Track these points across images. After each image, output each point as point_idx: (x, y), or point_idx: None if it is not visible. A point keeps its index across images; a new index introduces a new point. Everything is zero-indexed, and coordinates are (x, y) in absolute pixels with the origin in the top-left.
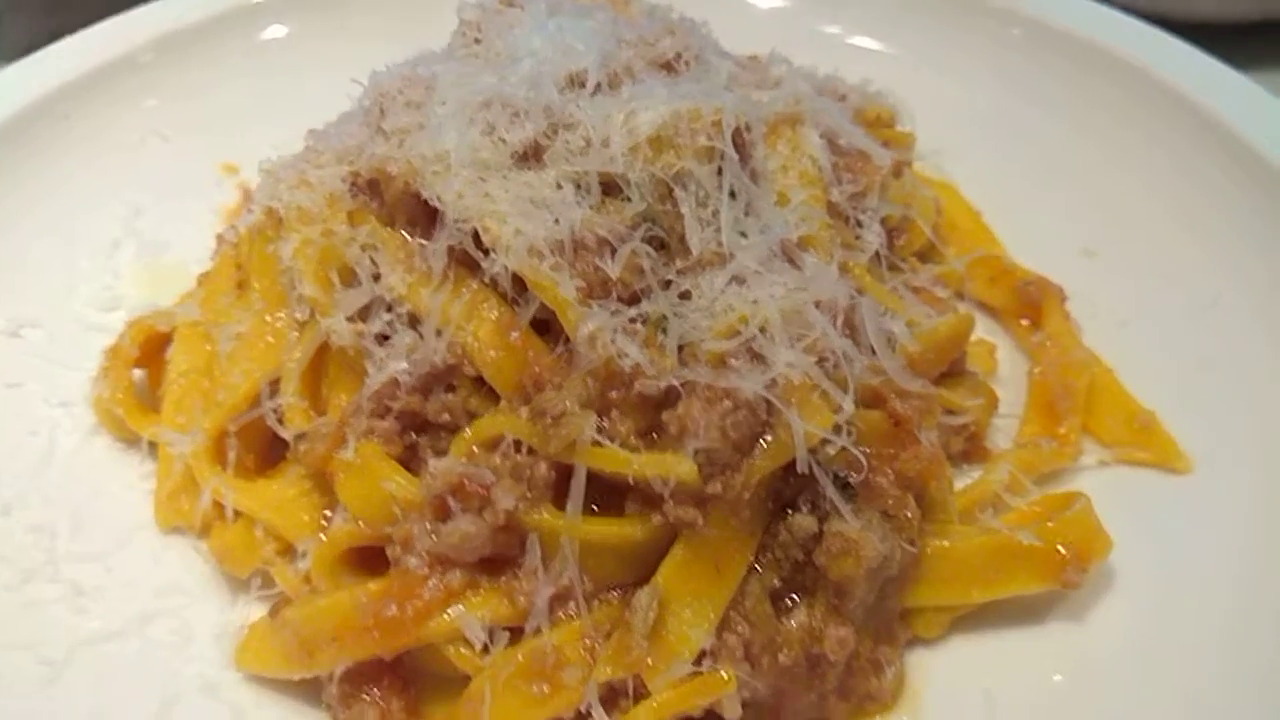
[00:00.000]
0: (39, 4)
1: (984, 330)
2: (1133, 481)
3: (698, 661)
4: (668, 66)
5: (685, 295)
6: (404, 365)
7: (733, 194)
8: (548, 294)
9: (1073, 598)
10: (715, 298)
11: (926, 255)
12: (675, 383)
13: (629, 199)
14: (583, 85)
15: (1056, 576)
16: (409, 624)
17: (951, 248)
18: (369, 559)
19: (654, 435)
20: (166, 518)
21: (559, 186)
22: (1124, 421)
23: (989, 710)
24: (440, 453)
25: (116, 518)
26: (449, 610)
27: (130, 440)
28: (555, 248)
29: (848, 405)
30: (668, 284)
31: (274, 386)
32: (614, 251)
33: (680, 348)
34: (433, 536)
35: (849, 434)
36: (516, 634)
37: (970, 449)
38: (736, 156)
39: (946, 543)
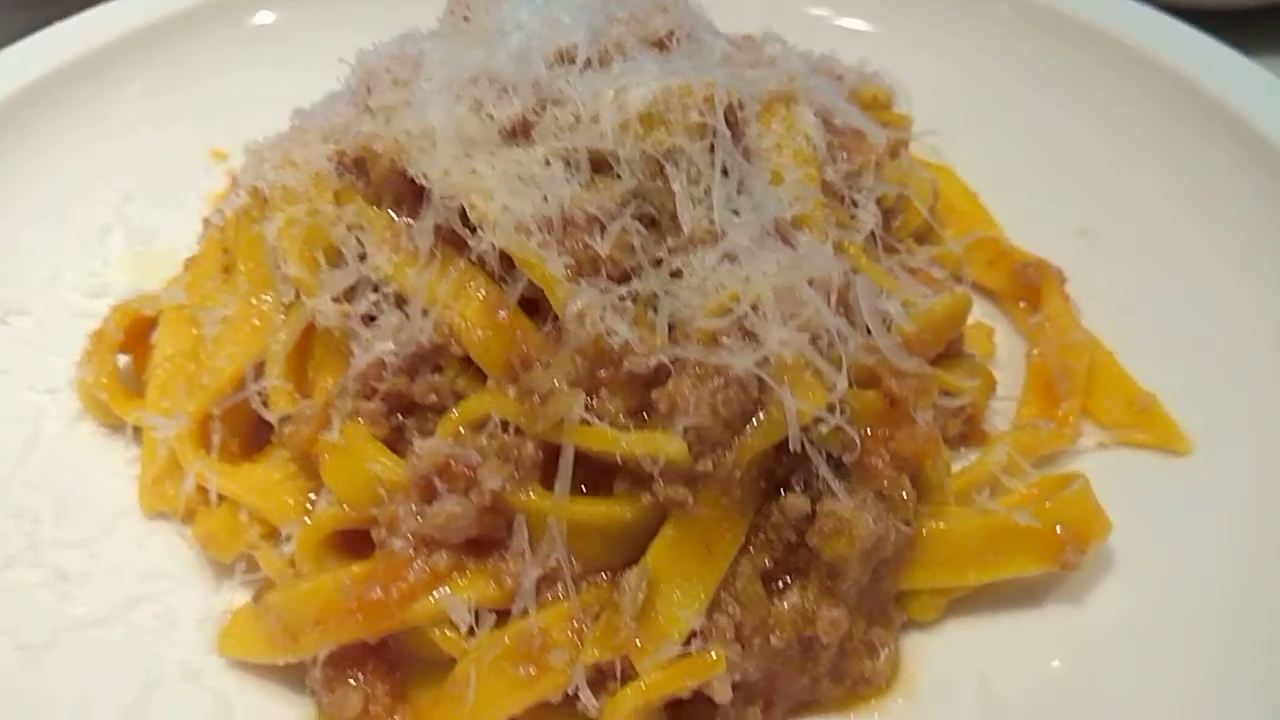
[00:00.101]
0: None
1: (982, 314)
2: (1132, 463)
3: (687, 643)
4: (660, 44)
5: (676, 273)
6: (390, 345)
7: (725, 171)
8: (535, 271)
9: (1071, 581)
10: (707, 276)
11: (923, 237)
12: (665, 360)
13: (619, 176)
14: (572, 61)
15: (1054, 558)
16: (393, 607)
17: (949, 230)
18: (354, 543)
19: (644, 415)
20: (151, 503)
21: (548, 163)
22: (1124, 403)
23: (985, 695)
24: (427, 434)
25: (101, 503)
26: (434, 592)
27: (115, 426)
28: (544, 225)
29: (841, 383)
30: (658, 262)
31: (259, 369)
32: (604, 229)
33: (671, 326)
34: (418, 518)
35: (843, 413)
36: (503, 616)
37: (967, 431)
38: (729, 133)
39: (942, 524)
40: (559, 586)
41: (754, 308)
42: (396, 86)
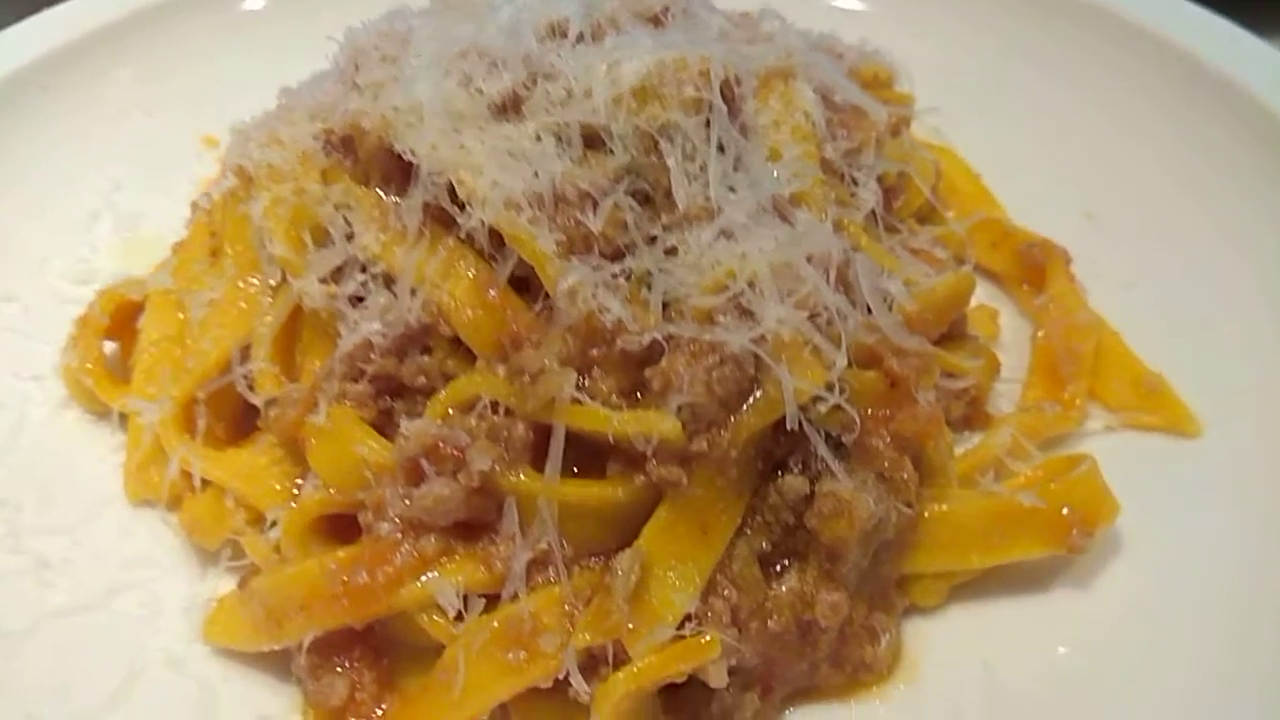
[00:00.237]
0: None
1: (986, 296)
2: (1141, 446)
3: (681, 627)
4: (654, 19)
5: (671, 251)
6: (377, 326)
7: (721, 148)
8: (525, 248)
9: (1078, 565)
10: (702, 253)
11: (926, 217)
12: (659, 338)
13: (612, 152)
14: (564, 35)
15: (1061, 541)
16: (380, 592)
17: (951, 212)
18: (342, 528)
19: (637, 395)
20: (136, 490)
21: (538, 138)
22: (1131, 385)
23: (989, 682)
24: (416, 417)
25: (85, 490)
26: (422, 577)
27: (100, 412)
28: (534, 201)
29: (840, 361)
30: (653, 239)
31: (245, 353)
32: (596, 205)
33: (665, 304)
34: (405, 501)
35: (842, 392)
36: (492, 601)
37: (971, 414)
38: (725, 109)
39: (945, 506)
40: (550, 570)
41: (751, 285)
42: (385, 63)
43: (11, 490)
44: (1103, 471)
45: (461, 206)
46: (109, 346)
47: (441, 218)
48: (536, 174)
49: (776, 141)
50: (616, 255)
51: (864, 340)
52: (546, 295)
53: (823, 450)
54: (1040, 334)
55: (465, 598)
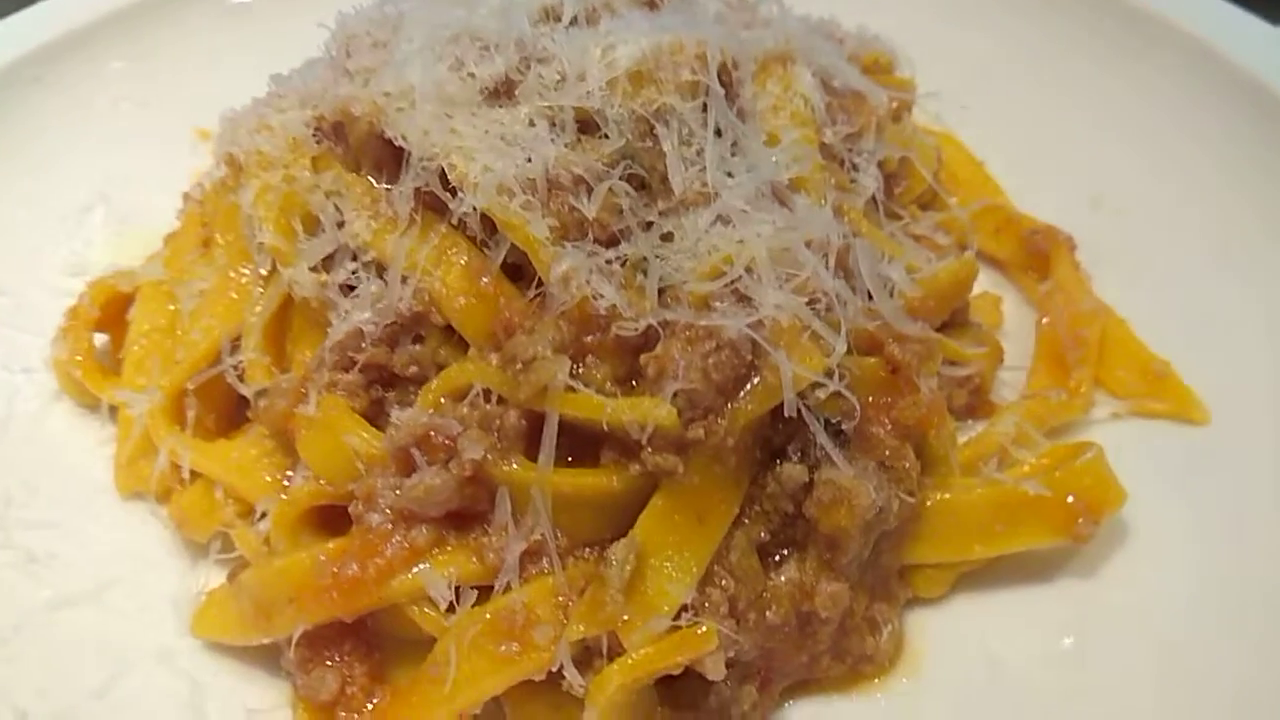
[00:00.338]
0: None
1: (989, 284)
2: (1147, 434)
3: (677, 618)
4: (650, 3)
5: (667, 237)
6: (368, 315)
7: (718, 132)
8: (518, 234)
9: (1083, 555)
10: (699, 238)
11: (928, 204)
12: (654, 324)
13: (607, 136)
14: (558, 18)
15: (1066, 529)
16: (370, 584)
17: (954, 198)
18: (333, 520)
19: (632, 382)
20: (126, 483)
21: (531, 123)
22: (1138, 372)
23: (993, 674)
24: (408, 407)
25: (74, 483)
26: (413, 568)
27: (91, 405)
28: (527, 186)
29: (840, 347)
30: (648, 225)
31: (236, 343)
32: (590, 190)
33: (661, 290)
34: (396, 491)
35: (841, 378)
36: (485, 593)
37: (974, 402)
38: (722, 93)
39: (948, 495)
40: (544, 561)
41: (748, 270)
42: (376, 48)
43: (0, 483)
44: (1109, 459)
45: (453, 192)
46: (100, 339)
47: (433, 204)
48: (529, 159)
49: (775, 126)
50: (611, 241)
51: (864, 326)
52: (540, 282)
53: (822, 438)
54: (1045, 321)
55: (457, 589)
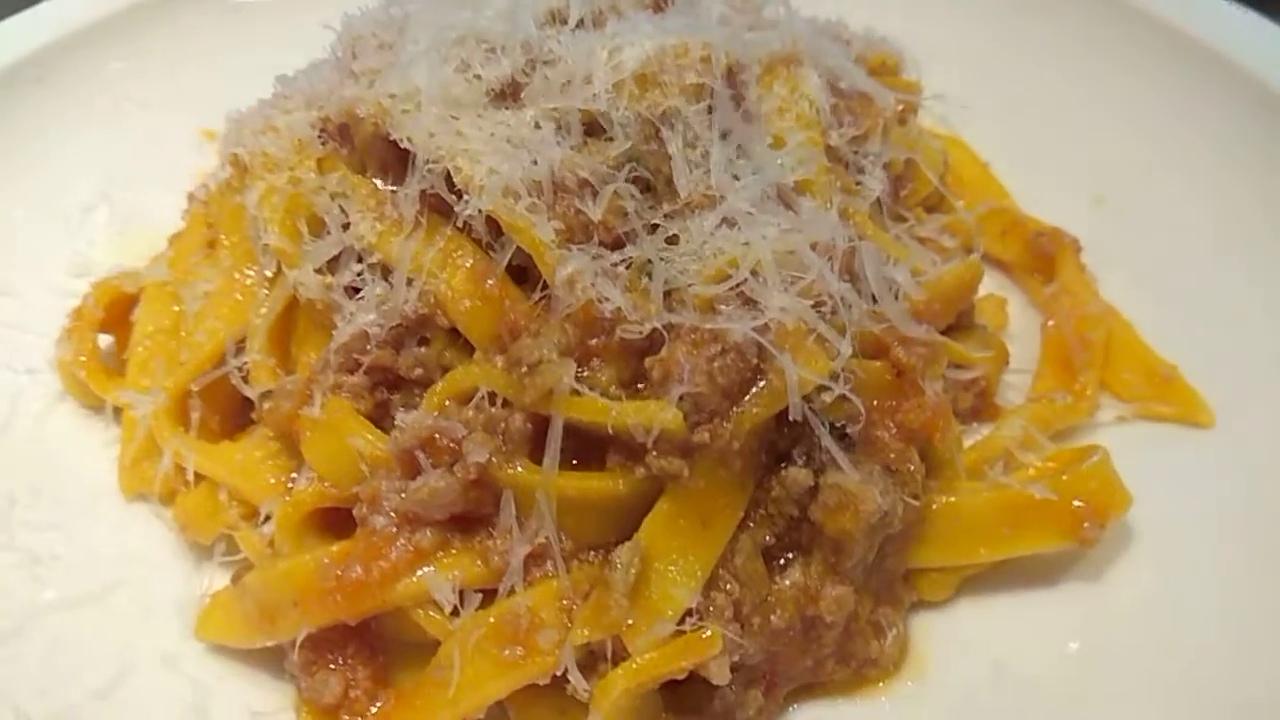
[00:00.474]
0: None
1: (994, 286)
2: (1153, 437)
3: (682, 622)
4: (655, 5)
5: (672, 239)
6: (373, 317)
7: (724, 135)
8: (523, 236)
9: (1089, 559)
10: (704, 241)
11: (933, 206)
12: (659, 327)
13: (612, 139)
14: (564, 21)
15: (1072, 533)
16: (374, 587)
17: (960, 201)
18: (337, 522)
19: (638, 385)
20: (130, 485)
21: (537, 126)
22: (1144, 375)
23: (998, 678)
24: (413, 409)
25: (78, 485)
26: (417, 572)
27: (95, 406)
28: (533, 189)
29: (845, 350)
30: (654, 227)
31: (240, 345)
32: (596, 193)
33: (666, 293)
34: (401, 494)
35: (847, 382)
36: (489, 596)
37: (980, 406)
38: (728, 95)
39: (953, 498)
40: (548, 564)
41: (754, 273)
42: (381, 50)
43: (3, 484)
44: (1115, 463)
45: (459, 195)
46: (104, 339)
47: (439, 206)
48: (535, 161)
49: (780, 128)
50: (616, 244)
51: (870, 329)
52: (545, 285)
53: (827, 441)
54: (1050, 323)
55: (461, 593)
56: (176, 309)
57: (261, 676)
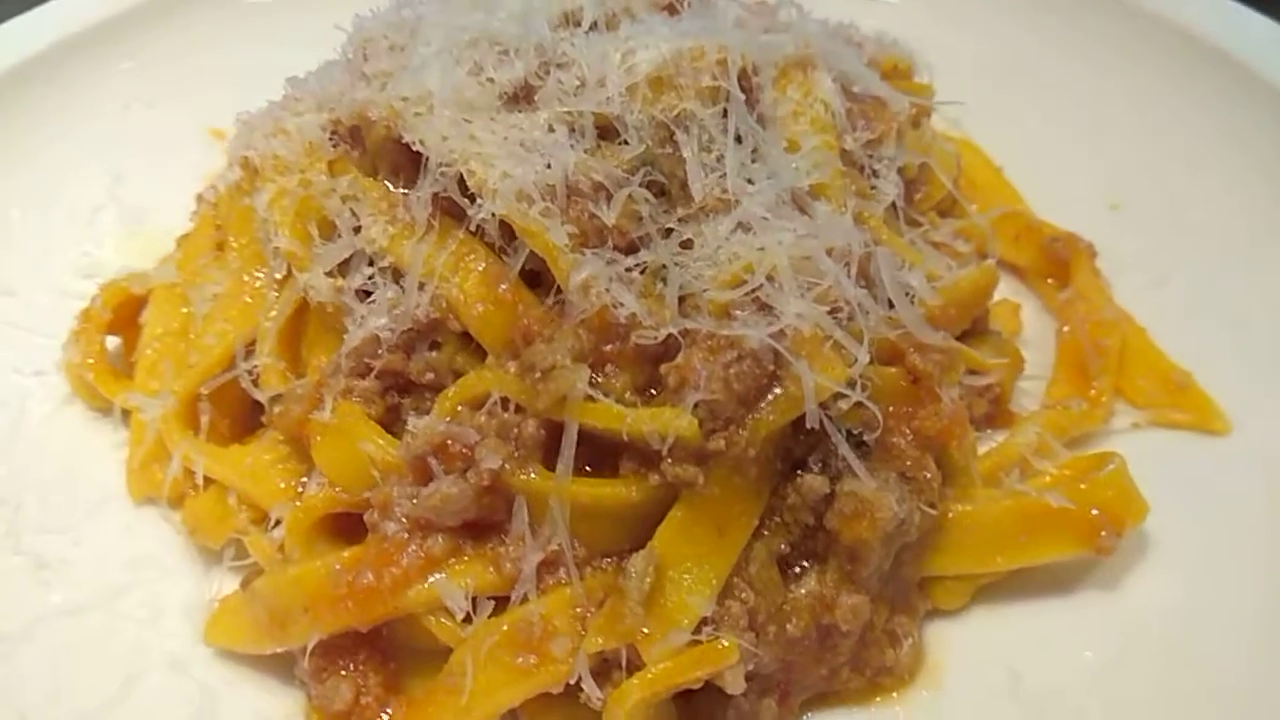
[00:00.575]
0: None
1: (1008, 291)
2: (1169, 444)
3: (697, 631)
4: (669, 7)
5: (687, 244)
6: (385, 321)
7: (738, 138)
8: (537, 240)
9: (1104, 567)
10: (719, 246)
11: (947, 210)
12: (675, 333)
13: (626, 142)
14: (577, 23)
15: (1089, 541)
16: (386, 593)
17: (973, 205)
18: (347, 527)
19: (652, 392)
20: (139, 488)
21: (551, 129)
22: (1159, 382)
23: (1014, 687)
24: (424, 414)
25: (86, 488)
26: (429, 578)
27: (103, 408)
28: (546, 193)
29: (862, 357)
30: (668, 232)
31: (250, 348)
32: (610, 197)
33: (681, 299)
34: (412, 500)
35: (863, 388)
36: (502, 603)
37: (994, 412)
38: (743, 98)
39: (969, 506)
40: (561, 572)
41: (769, 279)
42: (393, 52)
43: (11, 488)
44: (1130, 470)
45: (472, 198)
46: (112, 341)
47: (451, 210)
48: (549, 165)
49: (795, 132)
50: (631, 248)
51: (885, 336)
52: (558, 289)
53: (844, 449)
54: (1065, 329)
55: (474, 600)
56: (185, 311)
57: (271, 682)
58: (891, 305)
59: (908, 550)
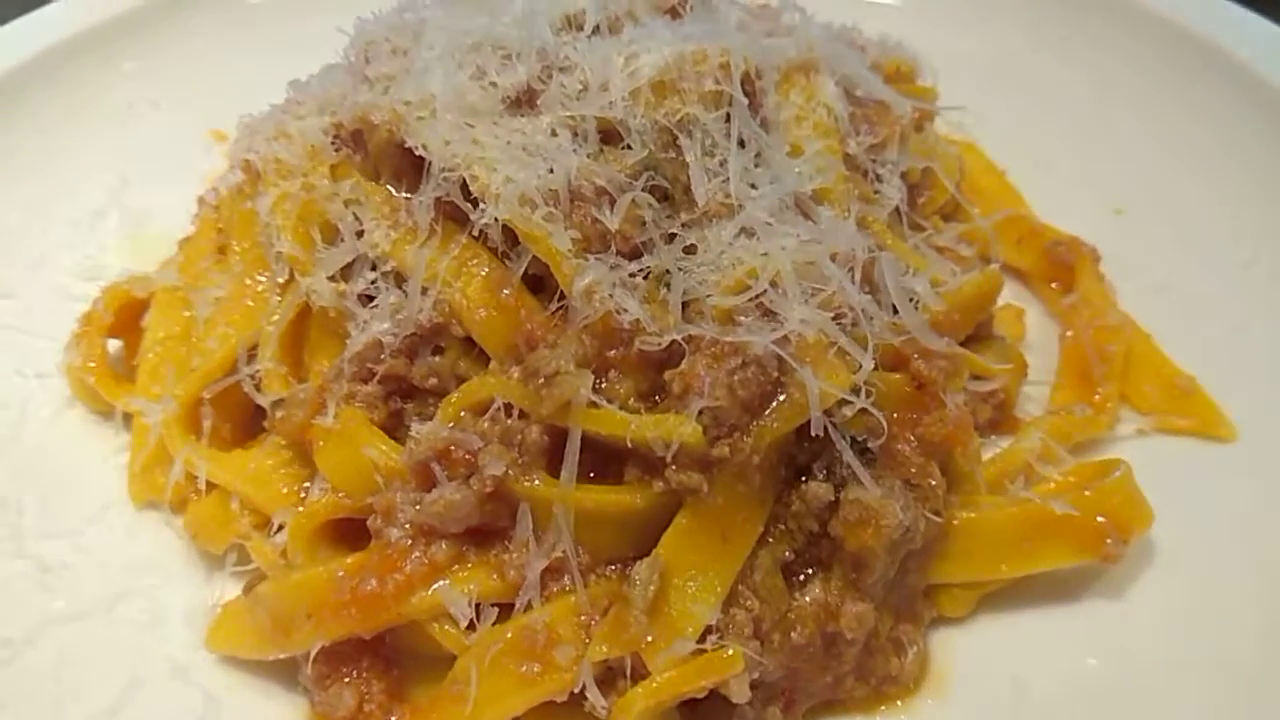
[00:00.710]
0: None
1: (1012, 295)
2: (1173, 451)
3: (702, 639)
4: (672, 11)
5: (690, 249)
6: (387, 326)
7: (742, 143)
8: (540, 246)
9: (1109, 575)
10: (722, 251)
11: (950, 214)
12: (679, 339)
13: (629, 147)
14: (580, 27)
15: (1095, 549)
16: (389, 600)
17: (976, 209)
18: (350, 533)
19: (656, 398)
20: (140, 492)
21: (554, 133)
22: (1163, 388)
23: (1018, 695)
24: (427, 419)
25: (88, 493)
26: (433, 585)
27: (105, 412)
28: (549, 197)
29: (866, 364)
30: (671, 237)
31: (252, 352)
32: (613, 202)
33: (685, 304)
34: (416, 506)
35: (868, 395)
36: (506, 611)
37: (999, 418)
38: (746, 102)
39: (974, 513)
40: (565, 579)
41: (773, 284)
42: (396, 55)
43: (13, 492)
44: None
45: (474, 203)
46: (113, 345)
47: (454, 214)
48: (552, 169)
49: (798, 136)
50: (634, 254)
51: (890, 342)
52: (562, 295)
53: (848, 456)
54: (1069, 334)
55: (477, 607)
56: (187, 314)
57: (274, 689)
58: (895, 311)
59: (913, 558)
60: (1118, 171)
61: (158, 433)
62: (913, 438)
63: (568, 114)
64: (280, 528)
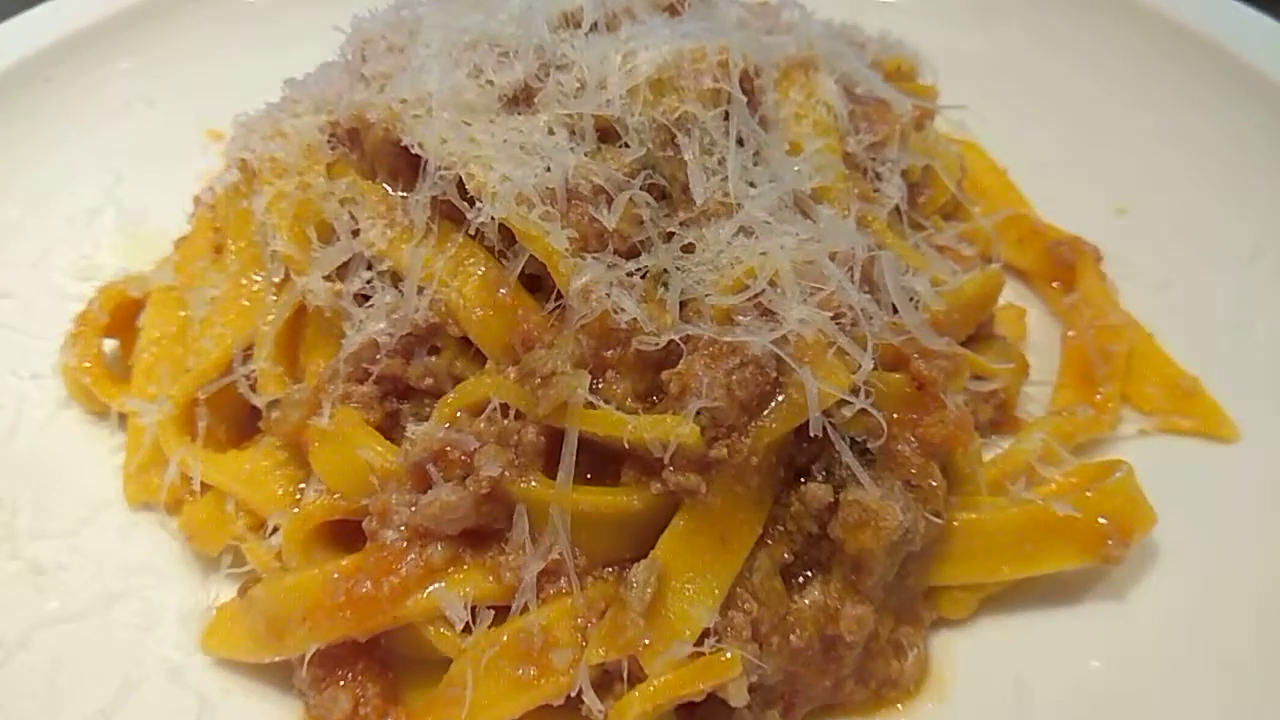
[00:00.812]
0: None
1: (1013, 295)
2: (1176, 452)
3: (700, 642)
4: (670, 8)
5: (688, 248)
6: (383, 326)
7: (740, 141)
8: (537, 245)
9: (1111, 577)
10: (721, 250)
11: (951, 214)
12: (676, 339)
13: (627, 145)
14: (578, 24)
15: (1096, 551)
16: (384, 602)
17: (977, 208)
18: (346, 535)
19: (654, 398)
20: (135, 493)
21: (551, 131)
22: (1165, 388)
23: (1020, 697)
24: (423, 420)
25: (82, 493)
26: (428, 587)
27: (101, 412)
28: (546, 196)
29: (866, 364)
30: (669, 236)
31: (247, 352)
32: (610, 201)
33: (683, 304)
34: (411, 508)
35: (867, 395)
36: (502, 613)
37: (1000, 418)
38: (744, 100)
39: (975, 515)
40: (562, 581)
41: (772, 284)
42: (392, 53)
43: (7, 492)
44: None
45: (471, 202)
46: (109, 345)
47: (450, 213)
48: (549, 168)
49: (797, 135)
50: (632, 253)
51: (890, 341)
52: (559, 294)
53: (848, 457)
54: (1071, 334)
55: (473, 609)
56: (183, 314)
57: (268, 691)
58: (895, 310)
59: (913, 560)
60: (1119, 170)
61: (153, 434)
62: (913, 438)
63: (565, 112)
64: (275, 529)
